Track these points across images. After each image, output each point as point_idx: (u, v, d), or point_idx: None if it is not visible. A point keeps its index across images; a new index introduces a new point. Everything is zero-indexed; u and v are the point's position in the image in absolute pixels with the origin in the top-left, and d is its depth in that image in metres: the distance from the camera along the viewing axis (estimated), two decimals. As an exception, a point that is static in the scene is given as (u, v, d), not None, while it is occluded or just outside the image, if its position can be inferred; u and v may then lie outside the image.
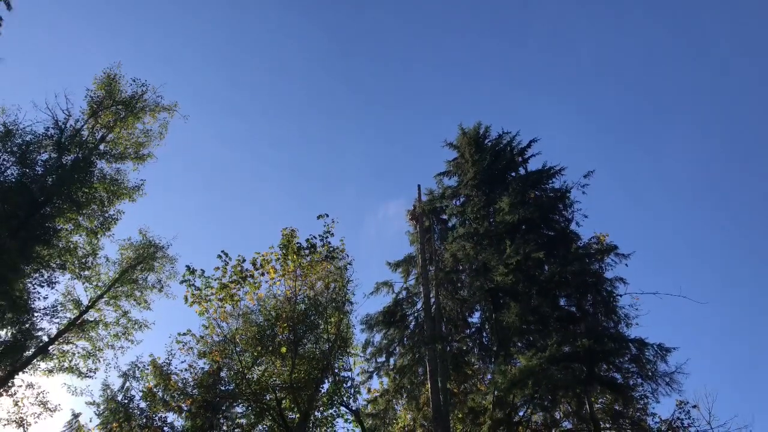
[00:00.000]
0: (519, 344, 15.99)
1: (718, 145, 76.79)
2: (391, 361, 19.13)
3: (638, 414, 14.76)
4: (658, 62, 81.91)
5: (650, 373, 13.41)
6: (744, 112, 72.72)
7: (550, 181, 19.01)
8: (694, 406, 15.44)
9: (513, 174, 20.28)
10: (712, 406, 15.02)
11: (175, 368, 18.30)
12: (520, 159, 20.24)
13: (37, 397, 25.22)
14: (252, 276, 19.03)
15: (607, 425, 15.08)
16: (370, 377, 18.98)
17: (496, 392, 14.30)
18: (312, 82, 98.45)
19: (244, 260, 18.95)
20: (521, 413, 15.58)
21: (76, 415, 18.70)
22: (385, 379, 19.39)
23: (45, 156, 24.45)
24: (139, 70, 76.46)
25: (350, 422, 19.39)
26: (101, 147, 27.00)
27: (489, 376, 17.50)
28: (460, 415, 17.42)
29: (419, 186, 23.51)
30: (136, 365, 18.36)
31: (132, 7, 77.21)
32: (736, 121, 73.90)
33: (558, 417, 15.93)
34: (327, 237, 19.60)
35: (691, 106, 79.39)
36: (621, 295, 15.69)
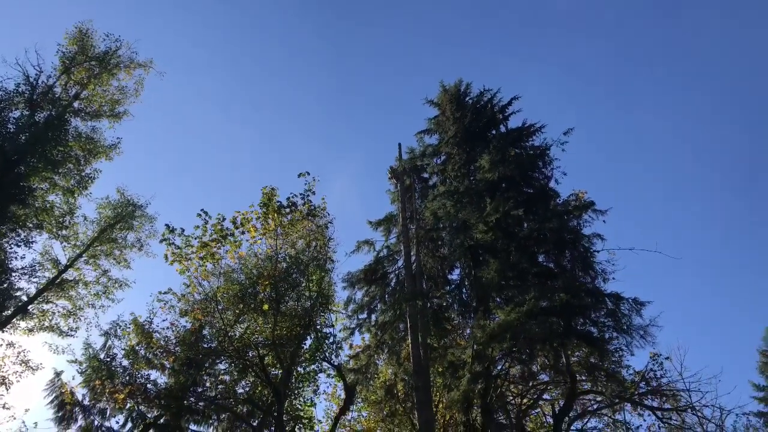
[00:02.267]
0: (498, 300, 16.21)
1: (694, 101, 77.24)
2: (373, 317, 19.33)
3: (613, 366, 15.14)
4: (636, 17, 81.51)
5: (625, 327, 13.71)
6: (721, 69, 73.01)
7: (530, 139, 19.01)
8: (667, 358, 15.92)
9: (494, 132, 20.22)
10: (684, 358, 15.54)
11: (157, 326, 18.39)
12: (500, 116, 20.15)
13: (18, 356, 25.21)
14: (232, 235, 18.97)
15: (583, 377, 15.47)
16: (352, 333, 19.19)
17: (475, 346, 14.54)
18: (289, 40, 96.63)
19: (224, 219, 18.85)
20: (499, 366, 15.93)
21: (58, 374, 18.74)
22: (367, 335, 19.64)
23: (17, 114, 23.85)
24: (112, 26, 74.36)
25: (332, 377, 19.75)
26: (75, 104, 26.39)
27: (468, 331, 17.79)
28: (440, 369, 17.75)
29: (400, 144, 23.40)
30: (117, 324, 18.40)
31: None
32: (713, 78, 74.21)
33: (535, 370, 16.32)
34: (308, 195, 19.50)
35: (668, 63, 79.44)
36: (598, 251, 15.89)
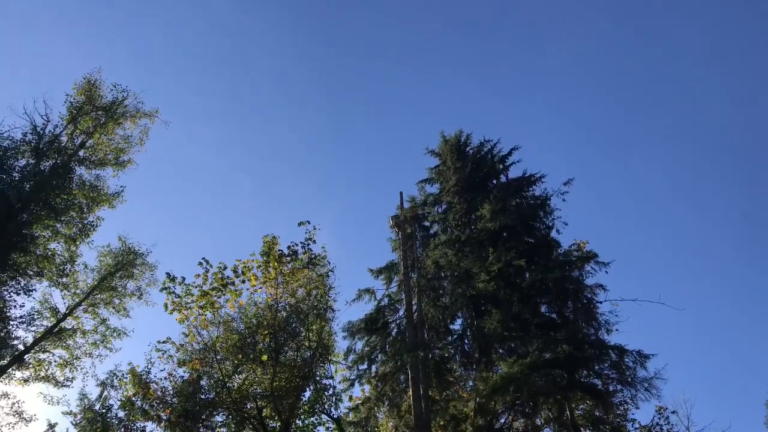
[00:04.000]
0: (500, 351, 16.05)
1: (693, 152, 77.98)
2: (373, 368, 19.07)
3: (618, 420, 14.86)
4: (632, 67, 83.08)
5: (629, 379, 13.52)
6: (719, 117, 74.03)
7: (531, 189, 19.19)
8: (674, 412, 15.64)
9: (494, 181, 20.42)
10: (691, 411, 15.23)
11: (155, 377, 18.04)
12: (501, 166, 20.38)
13: (12, 407, 24.78)
14: (233, 283, 18.90)
15: (588, 431, 15.15)
16: (352, 385, 18.91)
17: (477, 399, 14.31)
18: (290, 86, 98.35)
19: (225, 267, 18.83)
20: (502, 420, 15.62)
21: (52, 426, 18.40)
22: (367, 387, 19.32)
23: (23, 162, 24.09)
24: (116, 75, 75.87)
25: (332, 430, 19.29)
26: (80, 153, 26.66)
27: (470, 383, 17.51)
28: (441, 423, 17.39)
29: (401, 193, 23.54)
30: (114, 374, 18.07)
31: (110, 11, 76.61)
32: (712, 126, 75.17)
33: (539, 423, 15.98)
34: (308, 244, 19.54)
35: (665, 112, 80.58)
36: (601, 302, 15.85)
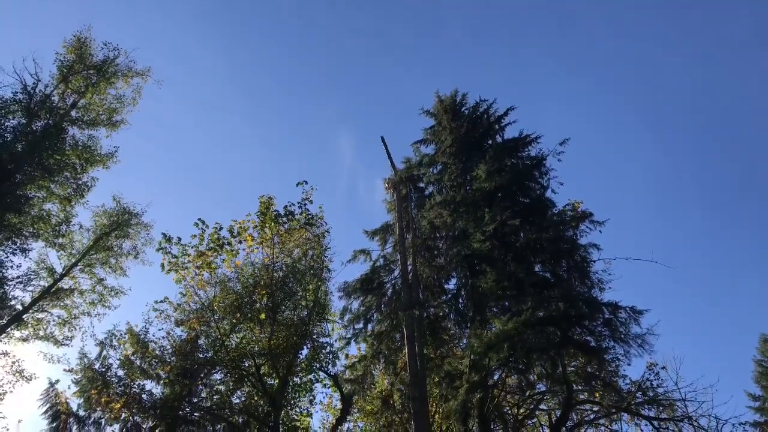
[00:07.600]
0: (494, 309, 16.22)
1: (688, 113, 77.73)
2: (369, 327, 19.28)
3: (610, 376, 15.13)
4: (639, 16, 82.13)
5: (622, 336, 13.72)
6: (725, 72, 73.58)
7: (526, 149, 19.08)
8: (663, 368, 15.90)
9: (490, 142, 20.33)
10: (680, 367, 15.50)
11: (153, 336, 18.31)
12: (496, 127, 20.27)
13: (12, 366, 25.09)
14: (229, 244, 18.96)
15: (580, 387, 15.45)
16: (348, 343, 19.17)
17: (472, 356, 14.51)
18: (286, 41, 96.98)
19: (221, 228, 18.86)
20: (496, 376, 15.90)
21: (53, 383, 18.66)
22: (363, 345, 19.61)
23: (14, 122, 23.83)
24: (111, 32, 74.33)
25: (329, 387, 19.70)
26: (72, 113, 26.36)
27: (465, 341, 17.76)
28: (436, 379, 17.71)
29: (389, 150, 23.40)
30: (113, 333, 18.28)
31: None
32: (719, 83, 74.76)
33: (532, 379, 16.30)
34: (305, 204, 19.55)
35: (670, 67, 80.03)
36: (594, 261, 15.92)
